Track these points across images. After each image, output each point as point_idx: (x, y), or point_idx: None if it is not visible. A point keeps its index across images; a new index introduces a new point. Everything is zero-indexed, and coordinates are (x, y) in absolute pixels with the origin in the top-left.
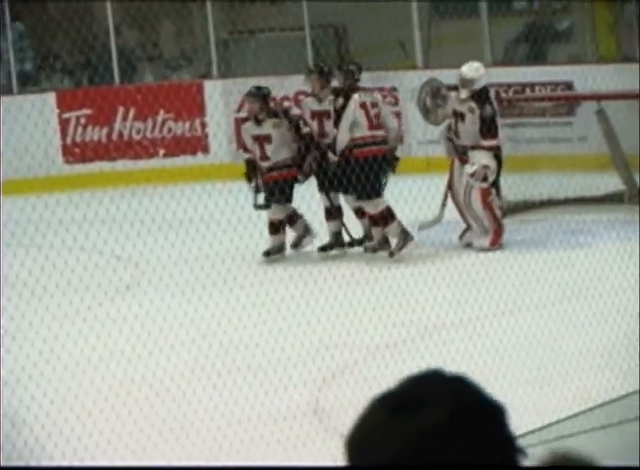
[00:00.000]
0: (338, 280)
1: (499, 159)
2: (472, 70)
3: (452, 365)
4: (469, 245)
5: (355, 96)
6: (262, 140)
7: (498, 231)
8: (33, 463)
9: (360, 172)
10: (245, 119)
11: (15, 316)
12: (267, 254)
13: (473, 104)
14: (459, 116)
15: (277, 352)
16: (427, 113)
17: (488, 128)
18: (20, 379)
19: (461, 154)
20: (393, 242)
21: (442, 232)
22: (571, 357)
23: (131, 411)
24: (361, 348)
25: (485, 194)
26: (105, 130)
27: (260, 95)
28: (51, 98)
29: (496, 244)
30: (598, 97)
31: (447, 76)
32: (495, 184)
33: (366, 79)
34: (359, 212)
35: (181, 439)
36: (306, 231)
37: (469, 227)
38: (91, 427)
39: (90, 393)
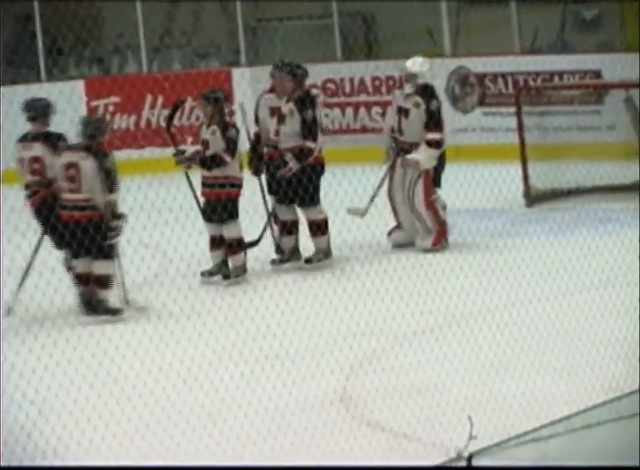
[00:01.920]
0: (365, 268)
1: (443, 154)
2: (416, 64)
3: (478, 353)
4: (398, 245)
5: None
6: (204, 145)
7: (441, 231)
8: (60, 450)
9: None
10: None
11: (42, 303)
12: (209, 274)
13: (418, 98)
14: (403, 112)
15: (304, 340)
16: (455, 100)
17: (434, 122)
18: (47, 366)
19: (405, 152)
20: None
21: (470, 220)
22: (598, 346)
23: (158, 399)
24: (388, 336)
25: (428, 193)
26: (133, 118)
27: (213, 99)
28: (79, 86)
29: (438, 244)
30: (626, 85)
31: (476, 64)
32: (437, 182)
33: (394, 67)
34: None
35: (208, 427)
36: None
37: (399, 226)
38: (119, 415)
39: (118, 381)
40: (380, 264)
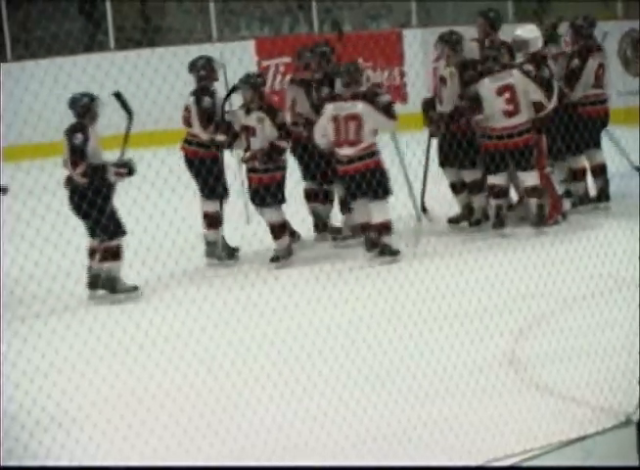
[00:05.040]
0: (536, 232)
1: (549, 125)
2: (526, 31)
3: None
4: (523, 218)
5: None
6: (248, 132)
7: (556, 206)
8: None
9: None
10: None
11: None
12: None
13: (529, 66)
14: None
15: (474, 302)
16: (627, 64)
17: (543, 89)
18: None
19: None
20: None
21: None
22: None
23: (327, 359)
24: (558, 298)
25: (541, 166)
26: None
27: (250, 84)
28: (251, 45)
29: (552, 218)
30: None
31: None
32: (551, 153)
33: (564, 30)
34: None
35: (377, 387)
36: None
37: (521, 201)
38: (287, 374)
39: (275, 343)
40: (550, 228)
